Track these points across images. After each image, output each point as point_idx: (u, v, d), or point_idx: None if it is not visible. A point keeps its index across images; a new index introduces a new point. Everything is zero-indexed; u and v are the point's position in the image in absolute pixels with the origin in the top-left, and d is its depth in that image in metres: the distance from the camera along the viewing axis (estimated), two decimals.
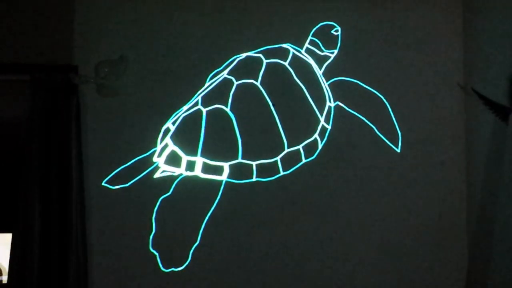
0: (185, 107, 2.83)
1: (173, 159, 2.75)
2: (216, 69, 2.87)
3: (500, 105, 2.53)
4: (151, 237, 2.74)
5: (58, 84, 2.74)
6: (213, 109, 2.77)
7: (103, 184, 2.79)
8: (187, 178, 2.76)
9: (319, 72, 2.90)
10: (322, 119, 2.84)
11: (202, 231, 2.77)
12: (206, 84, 2.86)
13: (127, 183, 2.79)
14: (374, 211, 2.90)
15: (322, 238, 2.88)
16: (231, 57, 2.87)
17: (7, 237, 2.77)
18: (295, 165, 2.82)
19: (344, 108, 2.90)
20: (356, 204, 2.90)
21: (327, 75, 2.91)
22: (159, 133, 2.81)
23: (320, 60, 2.92)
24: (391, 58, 2.96)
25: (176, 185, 2.78)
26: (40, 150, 2.69)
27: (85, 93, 2.82)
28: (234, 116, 2.77)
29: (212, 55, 2.88)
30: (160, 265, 2.74)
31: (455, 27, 2.99)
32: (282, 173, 2.80)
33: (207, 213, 2.77)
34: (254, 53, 2.88)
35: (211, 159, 2.74)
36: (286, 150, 2.78)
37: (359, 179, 2.90)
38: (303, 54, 2.91)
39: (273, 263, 2.85)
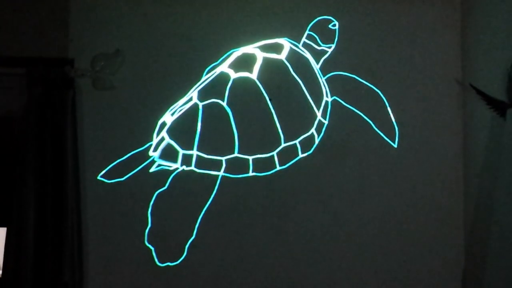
0: (181, 101, 2.81)
1: (169, 153, 2.74)
2: (213, 63, 2.86)
3: (498, 100, 2.52)
4: (146, 231, 2.74)
5: (53, 78, 2.73)
6: (209, 103, 2.76)
7: (98, 178, 2.77)
8: (183, 172, 2.75)
9: (316, 66, 2.89)
10: (319, 114, 2.83)
11: (198, 226, 2.76)
12: (203, 78, 2.84)
13: (122, 177, 2.78)
14: (370, 206, 2.89)
15: (318, 233, 2.87)
16: (228, 51, 2.86)
17: (1, 232, 2.76)
18: (292, 160, 2.81)
19: (341, 103, 2.88)
20: (353, 199, 2.89)
21: (324, 69, 2.90)
22: (155, 127, 2.80)
23: (317, 55, 2.90)
24: (388, 53, 2.94)
25: (172, 179, 2.77)
26: (36, 143, 2.68)
27: (81, 87, 2.81)
28: (231, 111, 2.75)
29: (209, 49, 2.87)
30: (156, 260, 2.73)
31: (453, 22, 2.97)
32: (278, 168, 2.79)
33: (203, 208, 2.77)
34: (251, 47, 2.86)
35: (208, 154, 2.73)
36: (283, 145, 2.78)
37: (356, 174, 2.89)
38: (300, 49, 2.90)
39: (268, 258, 2.84)
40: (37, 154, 2.67)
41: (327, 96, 2.87)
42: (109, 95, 2.82)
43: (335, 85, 2.89)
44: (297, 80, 2.81)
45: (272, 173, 2.80)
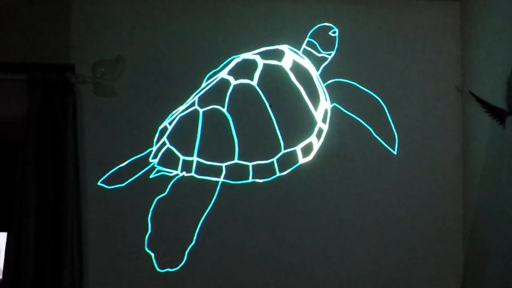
0: (182, 107, 2.82)
1: (169, 159, 2.75)
2: (213, 69, 2.87)
3: (498, 108, 2.52)
4: (146, 237, 2.75)
5: (54, 84, 2.74)
6: (210, 109, 2.76)
7: (99, 183, 2.79)
8: (183, 178, 2.76)
9: (316, 73, 2.90)
10: (319, 120, 2.84)
11: (198, 232, 2.77)
12: (203, 85, 2.85)
13: (123, 183, 2.79)
14: (370, 212, 2.89)
15: (318, 239, 2.87)
16: (228, 58, 2.87)
17: (2, 237, 2.77)
18: (292, 166, 2.81)
19: (341, 110, 2.89)
20: (352, 206, 2.89)
21: (324, 76, 2.91)
22: (155, 133, 2.82)
23: (317, 62, 2.91)
24: (388, 60, 2.95)
25: (172, 185, 2.78)
26: (36, 149, 2.69)
27: (82, 93, 2.82)
28: (231, 117, 2.76)
29: (209, 55, 2.88)
30: (156, 266, 2.74)
31: (453, 30, 2.97)
32: (278, 174, 2.79)
33: (203, 214, 2.77)
34: (252, 53, 2.87)
35: (208, 160, 2.74)
36: (283, 151, 2.78)
37: (355, 181, 2.89)
38: (300, 55, 2.90)
39: (269, 264, 2.84)
40: (37, 160, 2.68)
41: (327, 102, 2.88)
42: (109, 101, 2.83)
43: (335, 91, 2.89)
44: (297, 87, 2.82)
45: (272, 180, 2.80)
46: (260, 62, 2.83)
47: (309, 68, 2.88)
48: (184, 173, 2.74)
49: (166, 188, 2.78)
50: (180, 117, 2.79)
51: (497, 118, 2.52)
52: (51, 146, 2.71)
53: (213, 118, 2.75)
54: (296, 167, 2.82)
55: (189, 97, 2.84)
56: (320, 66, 2.91)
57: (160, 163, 2.76)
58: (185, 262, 2.75)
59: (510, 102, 2.48)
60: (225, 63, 2.87)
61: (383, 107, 2.90)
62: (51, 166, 2.69)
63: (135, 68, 2.86)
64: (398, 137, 2.89)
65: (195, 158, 2.74)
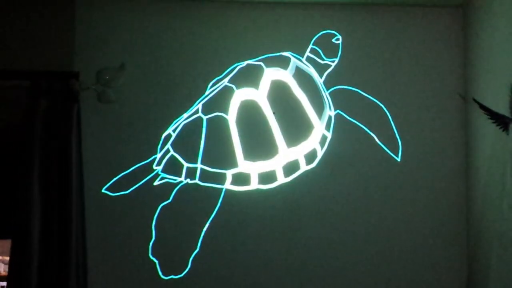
0: (185, 115, 2.83)
1: (173, 166, 2.75)
2: (216, 76, 2.87)
3: (501, 115, 2.53)
4: (150, 244, 2.74)
5: (58, 91, 2.74)
6: (213, 116, 2.77)
7: (103, 191, 2.79)
8: (187, 186, 2.76)
9: (319, 80, 2.91)
10: (322, 127, 2.84)
11: (202, 239, 2.76)
12: (207, 92, 2.86)
13: (127, 190, 2.79)
14: (374, 219, 2.90)
15: (321, 246, 2.87)
16: (232, 65, 2.88)
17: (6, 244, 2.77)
18: (295, 173, 2.81)
19: (345, 117, 2.89)
20: (356, 212, 2.90)
21: (328, 83, 2.91)
22: (159, 140, 2.82)
23: (320, 69, 2.92)
24: (392, 67, 2.96)
25: (176, 192, 2.77)
26: (40, 156, 2.69)
27: (86, 100, 2.82)
28: (235, 124, 2.76)
29: (213, 62, 2.89)
30: (160, 273, 2.73)
31: (455, 37, 2.99)
32: (282, 181, 2.80)
33: (207, 221, 2.77)
34: (255, 61, 2.88)
35: (212, 167, 2.74)
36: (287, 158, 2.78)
37: (359, 188, 2.90)
38: (304, 63, 2.91)
39: (273, 271, 2.84)
40: (41, 167, 2.68)
41: (330, 109, 2.88)
42: (113, 108, 2.84)
43: (338, 99, 2.90)
44: (301, 94, 2.83)
45: (275, 186, 2.80)
46: (264, 69, 2.83)
47: (313, 75, 2.89)
48: (188, 180, 2.75)
49: (170, 195, 2.77)
50: (184, 124, 2.79)
51: (501, 124, 2.53)
52: (55, 153, 2.70)
53: (217, 125, 2.76)
54: (300, 174, 2.82)
55: (193, 104, 2.84)
56: (323, 73, 2.92)
57: (164, 170, 2.76)
58: (189, 269, 2.75)
59: None
60: (228, 70, 2.87)
61: (386, 114, 2.90)
62: (55, 174, 2.69)
63: (139, 75, 2.86)
64: (401, 144, 2.90)
65: (199, 165, 2.74)
